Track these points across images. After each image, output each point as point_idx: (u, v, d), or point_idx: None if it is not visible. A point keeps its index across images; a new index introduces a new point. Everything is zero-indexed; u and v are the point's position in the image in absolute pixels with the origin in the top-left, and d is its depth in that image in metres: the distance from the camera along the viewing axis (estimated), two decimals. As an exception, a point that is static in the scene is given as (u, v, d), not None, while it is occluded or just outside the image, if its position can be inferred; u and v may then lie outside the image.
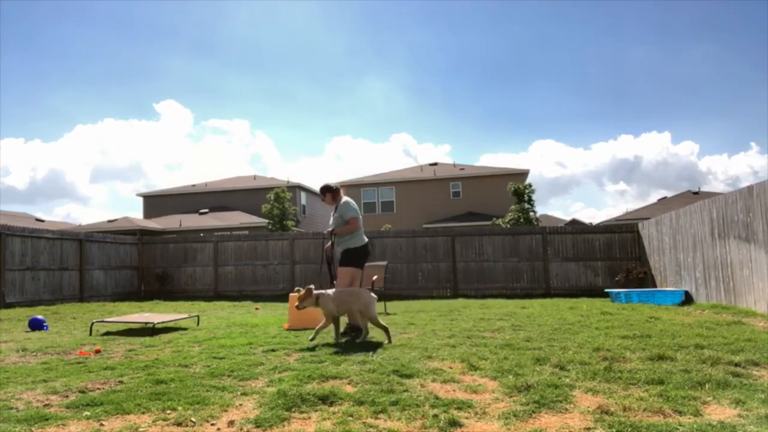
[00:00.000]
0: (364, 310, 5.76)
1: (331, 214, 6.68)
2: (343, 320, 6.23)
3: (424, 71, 59.62)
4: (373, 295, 5.91)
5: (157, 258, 16.87)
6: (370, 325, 5.88)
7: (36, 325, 7.85)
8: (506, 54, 56.80)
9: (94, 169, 62.53)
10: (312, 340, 5.76)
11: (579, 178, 63.42)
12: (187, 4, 51.39)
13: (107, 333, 7.22)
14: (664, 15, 48.84)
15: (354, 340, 5.81)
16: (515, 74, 57.72)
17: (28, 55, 48.71)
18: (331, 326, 5.87)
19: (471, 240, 15.49)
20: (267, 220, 26.85)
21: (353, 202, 6.63)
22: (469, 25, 53.77)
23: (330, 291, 5.90)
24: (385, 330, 5.72)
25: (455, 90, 61.05)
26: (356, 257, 6.49)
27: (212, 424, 3.01)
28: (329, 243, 6.61)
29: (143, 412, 3.24)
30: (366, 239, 6.64)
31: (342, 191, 6.64)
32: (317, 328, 5.85)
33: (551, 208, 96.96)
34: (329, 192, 6.55)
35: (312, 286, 5.85)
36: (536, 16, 52.73)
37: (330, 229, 6.54)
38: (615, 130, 63.08)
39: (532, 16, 52.92)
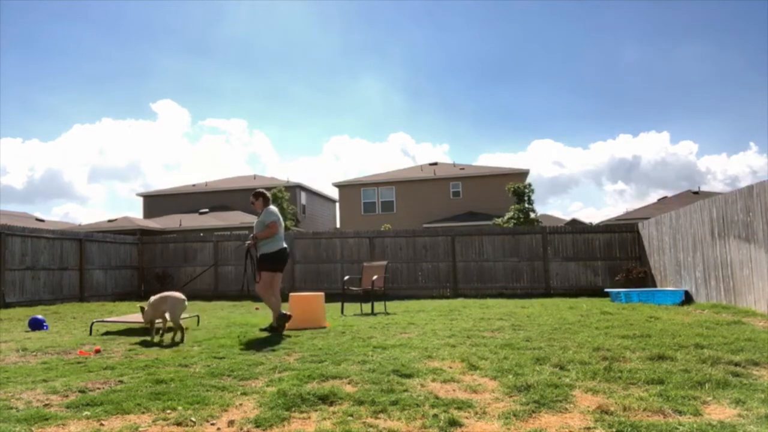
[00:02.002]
0: (170, 311, 6.30)
1: (257, 220, 7.16)
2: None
3: (422, 71, 59.67)
4: (180, 297, 6.43)
5: (157, 258, 16.86)
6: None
7: (36, 324, 7.85)
8: (504, 53, 56.83)
9: (92, 169, 62.52)
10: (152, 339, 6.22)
11: (577, 177, 63.42)
12: (183, 4, 51.41)
13: (107, 333, 7.22)
14: (661, 13, 48.85)
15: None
16: (513, 74, 57.76)
17: (25, 55, 48.73)
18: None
19: (471, 240, 15.49)
20: (267, 220, 26.84)
21: (276, 210, 7.13)
22: (466, 24, 53.81)
23: (152, 298, 6.51)
24: (182, 331, 6.23)
25: (453, 90, 61.10)
26: (272, 261, 6.92)
27: (212, 424, 3.01)
28: (251, 245, 7.07)
29: (143, 412, 3.24)
30: (285, 245, 7.07)
31: (270, 201, 7.19)
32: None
33: (550, 207, 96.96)
34: (261, 197, 7.12)
35: (143, 304, 6.56)
36: (533, 16, 52.77)
37: (253, 234, 6.97)
38: (613, 129, 63.09)
39: (529, 16, 52.95)
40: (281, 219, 7.14)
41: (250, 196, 7.21)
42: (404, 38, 55.38)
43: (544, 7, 51.75)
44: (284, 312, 6.78)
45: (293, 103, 62.38)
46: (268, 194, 7.22)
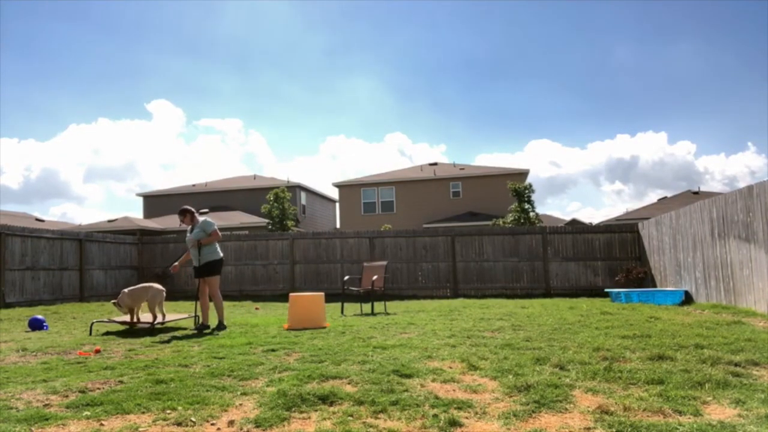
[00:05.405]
0: (150, 300, 7.30)
1: (188, 233, 7.77)
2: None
3: (417, 70, 59.60)
4: (159, 288, 7.42)
5: (157, 258, 16.86)
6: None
7: (36, 324, 7.85)
8: (499, 53, 56.80)
9: (88, 169, 62.46)
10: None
11: (575, 177, 63.37)
12: (177, 3, 51.39)
13: (107, 333, 7.22)
14: (658, 12, 48.84)
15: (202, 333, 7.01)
16: (508, 73, 57.70)
17: (21, 54, 48.72)
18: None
19: (471, 240, 15.49)
20: (267, 220, 26.84)
21: (212, 220, 7.88)
22: (463, 23, 53.79)
23: (129, 288, 7.46)
24: (155, 317, 7.27)
25: (450, 89, 61.04)
26: (220, 266, 7.78)
27: (212, 424, 3.01)
28: (176, 263, 8.01)
29: (143, 412, 3.24)
30: (222, 253, 7.92)
31: (196, 214, 7.85)
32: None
33: (548, 207, 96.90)
34: (189, 213, 7.72)
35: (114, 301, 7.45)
36: (528, 15, 52.75)
37: (196, 239, 7.59)
38: (611, 129, 63.01)
39: (524, 14, 52.93)
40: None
41: (181, 214, 7.72)
42: (400, 38, 55.38)
43: (539, 6, 51.77)
44: (225, 324, 7.59)
45: (289, 102, 62.40)
46: (192, 209, 7.80)
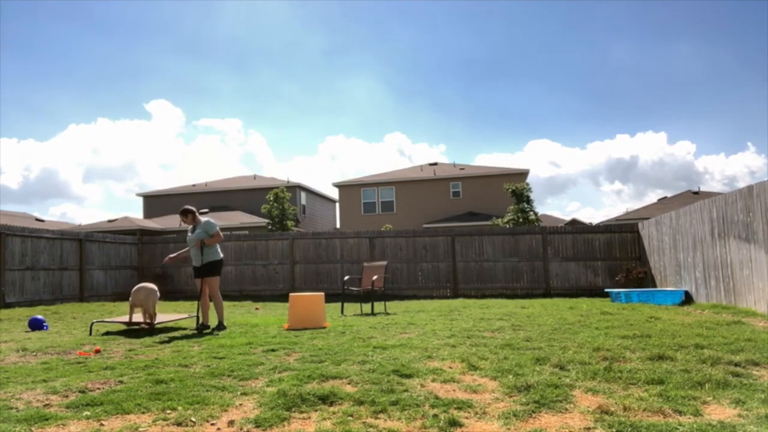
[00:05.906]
0: (144, 301, 7.34)
1: (189, 232, 7.84)
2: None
3: (417, 71, 59.62)
4: (152, 287, 7.44)
5: (157, 258, 16.85)
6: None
7: (36, 324, 7.85)
8: (498, 53, 56.80)
9: (88, 169, 62.47)
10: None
11: (575, 177, 63.37)
12: (177, 3, 51.38)
13: (107, 333, 7.22)
14: (657, 12, 48.83)
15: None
16: (509, 73, 57.73)
17: (21, 55, 48.73)
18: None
19: (471, 240, 15.49)
20: (267, 220, 26.85)
21: (214, 221, 7.94)
22: (462, 23, 53.78)
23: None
24: (152, 318, 7.37)
25: (449, 89, 61.04)
26: (220, 266, 7.87)
27: (212, 424, 3.01)
28: (174, 255, 8.00)
29: (143, 412, 3.24)
30: (222, 254, 8.02)
31: (197, 214, 7.83)
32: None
33: (548, 207, 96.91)
34: (191, 213, 7.75)
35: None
36: (527, 15, 52.74)
37: (198, 239, 7.63)
38: (611, 129, 63.01)
39: (522, 15, 52.92)
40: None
41: (183, 214, 7.71)
42: (399, 38, 55.39)
43: (538, 6, 51.77)
44: (224, 324, 7.63)
45: (288, 102, 62.40)
46: (194, 209, 7.82)
